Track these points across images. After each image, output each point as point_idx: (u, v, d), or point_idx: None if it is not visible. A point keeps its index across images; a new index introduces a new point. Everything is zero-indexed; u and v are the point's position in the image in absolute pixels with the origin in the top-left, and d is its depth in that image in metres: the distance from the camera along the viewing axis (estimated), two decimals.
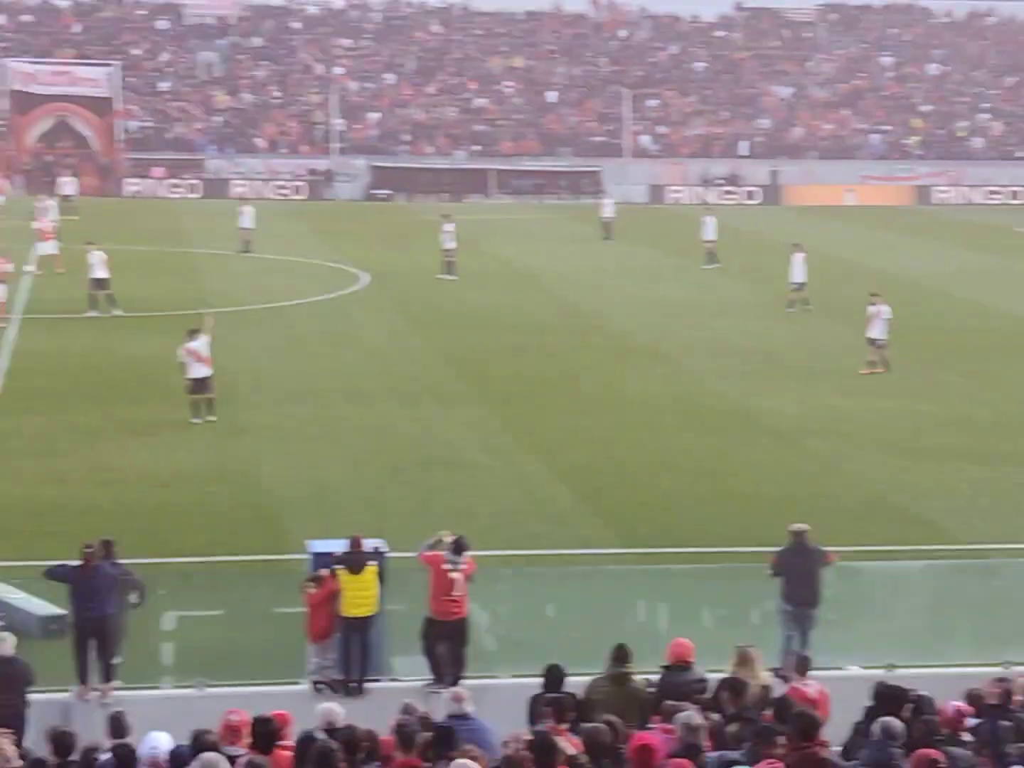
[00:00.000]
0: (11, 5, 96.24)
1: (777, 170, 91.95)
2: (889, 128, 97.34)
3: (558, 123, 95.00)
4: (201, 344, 33.78)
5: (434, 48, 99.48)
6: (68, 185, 74.19)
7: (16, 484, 28.89)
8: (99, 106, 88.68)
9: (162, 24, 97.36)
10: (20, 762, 11.16)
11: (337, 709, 13.84)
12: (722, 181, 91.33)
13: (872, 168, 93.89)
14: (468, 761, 11.79)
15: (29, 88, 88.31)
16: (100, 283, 45.99)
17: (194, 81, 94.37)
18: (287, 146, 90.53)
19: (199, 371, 33.59)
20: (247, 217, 61.38)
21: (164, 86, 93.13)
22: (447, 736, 12.49)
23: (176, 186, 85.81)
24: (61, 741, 12.66)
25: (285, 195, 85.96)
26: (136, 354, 40.42)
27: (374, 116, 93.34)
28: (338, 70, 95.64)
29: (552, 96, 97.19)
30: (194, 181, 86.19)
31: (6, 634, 18.43)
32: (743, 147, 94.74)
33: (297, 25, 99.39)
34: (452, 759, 12.03)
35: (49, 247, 54.22)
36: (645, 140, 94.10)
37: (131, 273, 53.06)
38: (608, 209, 69.40)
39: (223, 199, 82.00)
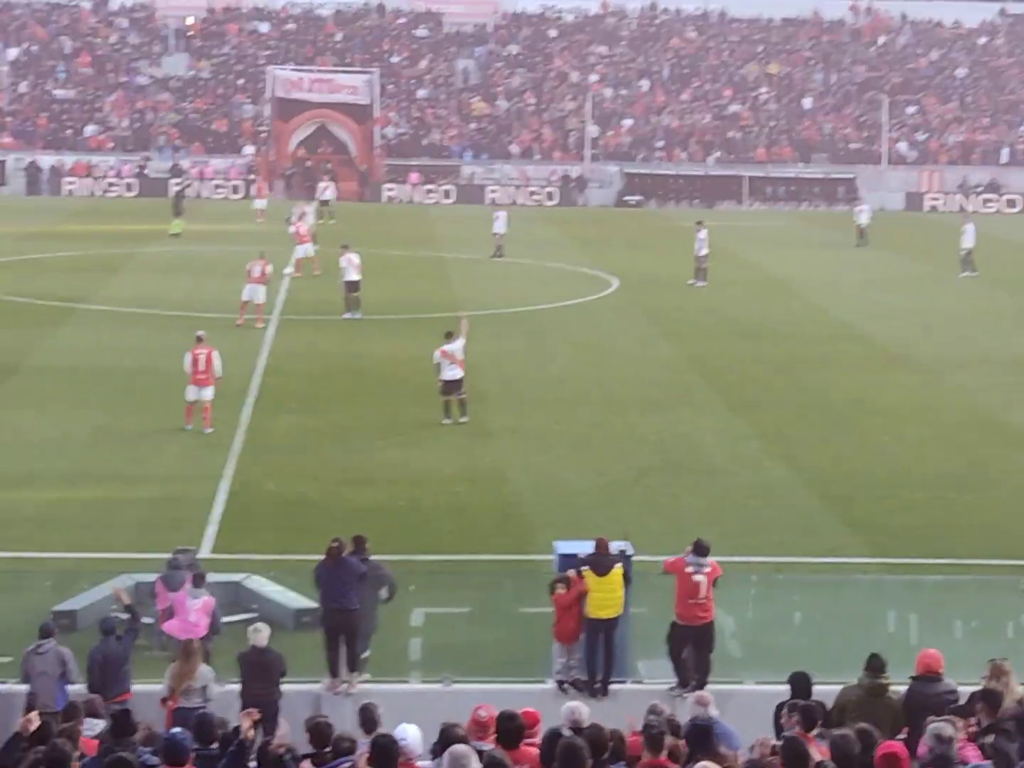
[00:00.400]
0: (276, 13, 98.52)
1: None
2: None
3: (813, 130, 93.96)
4: (456, 347, 34.16)
5: (689, 55, 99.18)
6: (327, 190, 75.64)
7: (270, 480, 29.53)
8: (358, 113, 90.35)
9: (421, 32, 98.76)
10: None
11: (582, 708, 13.84)
12: (981, 188, 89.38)
13: None
14: (710, 764, 11.68)
15: (292, 95, 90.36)
16: (352, 285, 46.79)
17: (451, 88, 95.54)
18: (541, 152, 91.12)
19: (452, 373, 33.97)
20: (500, 222, 61.93)
21: (422, 93, 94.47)
22: (704, 735, 12.38)
23: (431, 192, 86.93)
24: (319, 731, 12.86)
25: (537, 201, 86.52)
26: (388, 356, 41.03)
27: (627, 122, 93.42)
28: (593, 77, 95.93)
29: (808, 102, 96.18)
30: (448, 187, 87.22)
31: (261, 625, 18.86)
32: (1004, 154, 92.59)
33: (553, 33, 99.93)
34: (705, 760, 11.93)
35: (306, 250, 55.36)
36: (902, 147, 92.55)
37: (385, 277, 53.95)
38: (864, 216, 68.41)
39: (477, 205, 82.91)
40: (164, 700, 17.62)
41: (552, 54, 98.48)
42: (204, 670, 17.76)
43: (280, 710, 18.14)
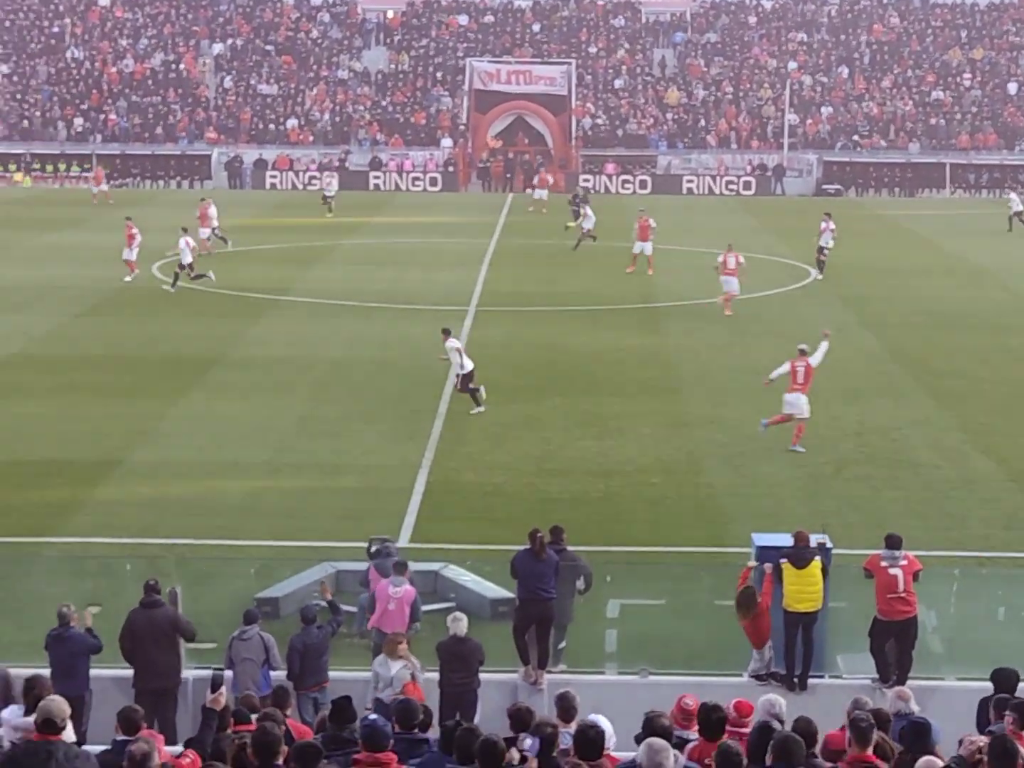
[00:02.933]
0: (474, 6, 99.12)
1: None
2: None
3: (1018, 116, 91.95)
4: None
5: (890, 41, 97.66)
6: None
7: (467, 470, 29.75)
8: (555, 104, 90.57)
9: (618, 22, 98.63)
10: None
11: (780, 700, 13.75)
12: None
13: None
14: (935, 760, 11.51)
15: (489, 87, 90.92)
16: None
17: (648, 78, 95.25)
18: (738, 142, 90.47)
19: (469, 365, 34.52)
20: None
21: (618, 83, 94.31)
22: (922, 733, 12.19)
23: (627, 182, 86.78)
24: (519, 718, 12.94)
25: (734, 190, 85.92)
26: (585, 347, 41.04)
27: (826, 110, 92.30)
28: (792, 64, 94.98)
29: (1013, 88, 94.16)
30: (644, 177, 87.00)
31: (461, 614, 18.99)
32: None
33: (752, 20, 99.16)
34: (923, 756, 11.76)
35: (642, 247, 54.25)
36: None
37: (581, 268, 54.05)
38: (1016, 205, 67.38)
39: (673, 195, 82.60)
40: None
41: (750, 42, 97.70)
42: (391, 665, 17.82)
43: (478, 699, 18.27)
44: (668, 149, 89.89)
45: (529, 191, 77.62)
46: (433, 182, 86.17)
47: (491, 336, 42.56)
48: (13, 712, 13.73)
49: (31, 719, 13.31)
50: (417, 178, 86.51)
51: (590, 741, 11.31)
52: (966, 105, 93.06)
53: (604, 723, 12.76)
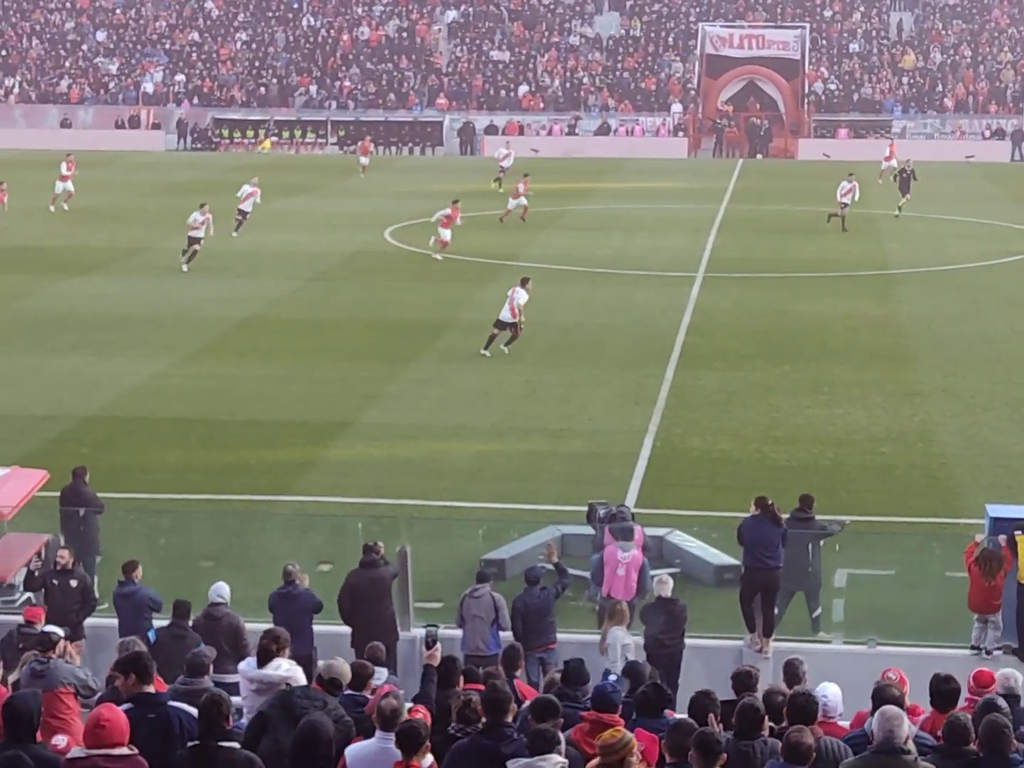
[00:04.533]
0: None
1: None
2: None
3: None
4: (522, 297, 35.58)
5: None
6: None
7: (694, 436, 29.65)
8: (787, 68, 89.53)
9: None
10: None
11: (1016, 674, 13.49)
12: None
13: None
14: None
15: (721, 52, 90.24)
16: None
17: (884, 42, 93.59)
18: (975, 106, 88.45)
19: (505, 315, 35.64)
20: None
21: (853, 47, 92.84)
22: None
23: (862, 147, 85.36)
24: (743, 681, 12.93)
25: (971, 156, 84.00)
26: (816, 314, 40.59)
27: None
28: None
29: None
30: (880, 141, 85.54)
31: (666, 576, 19.01)
32: None
33: None
34: None
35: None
36: None
37: (814, 234, 53.43)
38: None
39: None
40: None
41: (990, 5, 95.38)
42: (616, 633, 17.88)
43: (682, 659, 18.23)
44: (902, 114, 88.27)
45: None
46: (663, 147, 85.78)
47: (719, 303, 42.29)
48: (250, 664, 14.09)
49: (267, 671, 13.68)
50: (647, 144, 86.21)
51: (801, 708, 11.23)
52: None
53: (834, 691, 12.68)
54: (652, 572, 20.37)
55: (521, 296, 35.83)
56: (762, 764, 10.70)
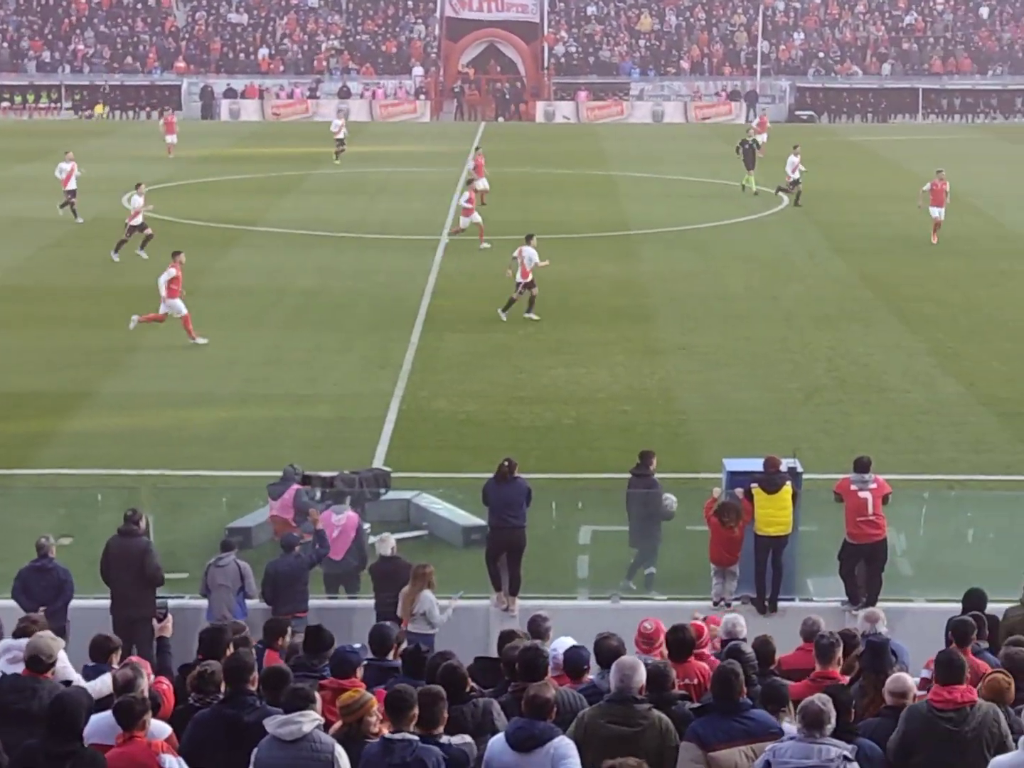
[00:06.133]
0: None
1: None
2: None
3: (991, 40, 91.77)
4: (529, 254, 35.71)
5: None
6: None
7: (439, 398, 29.75)
8: (527, 31, 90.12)
9: None
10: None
11: (740, 619, 13.93)
12: None
13: None
14: (906, 676, 11.63)
15: (461, 14, 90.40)
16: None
17: (621, 5, 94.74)
18: (711, 68, 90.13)
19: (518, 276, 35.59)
20: None
21: (591, 10, 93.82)
22: (879, 652, 12.30)
23: (600, 109, 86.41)
24: (506, 640, 13.05)
25: (707, 117, 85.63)
26: (556, 275, 40.94)
27: (799, 36, 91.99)
28: None
29: (985, 12, 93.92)
30: (618, 104, 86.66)
31: (387, 534, 19.10)
32: None
33: None
34: (884, 675, 11.87)
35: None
36: None
37: (553, 196, 53.87)
38: None
39: (646, 123, 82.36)
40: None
41: None
42: (424, 596, 17.71)
43: None
44: (640, 76, 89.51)
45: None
46: (404, 111, 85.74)
47: (463, 266, 42.47)
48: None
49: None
50: (388, 107, 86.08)
51: (529, 662, 11.39)
52: (938, 30, 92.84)
53: (566, 644, 12.87)
54: (403, 535, 20.42)
55: (530, 254, 35.83)
56: (475, 725, 10.85)
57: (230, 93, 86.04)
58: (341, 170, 62.59)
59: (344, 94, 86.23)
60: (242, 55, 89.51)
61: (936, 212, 45.57)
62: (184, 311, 33.56)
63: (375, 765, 10.11)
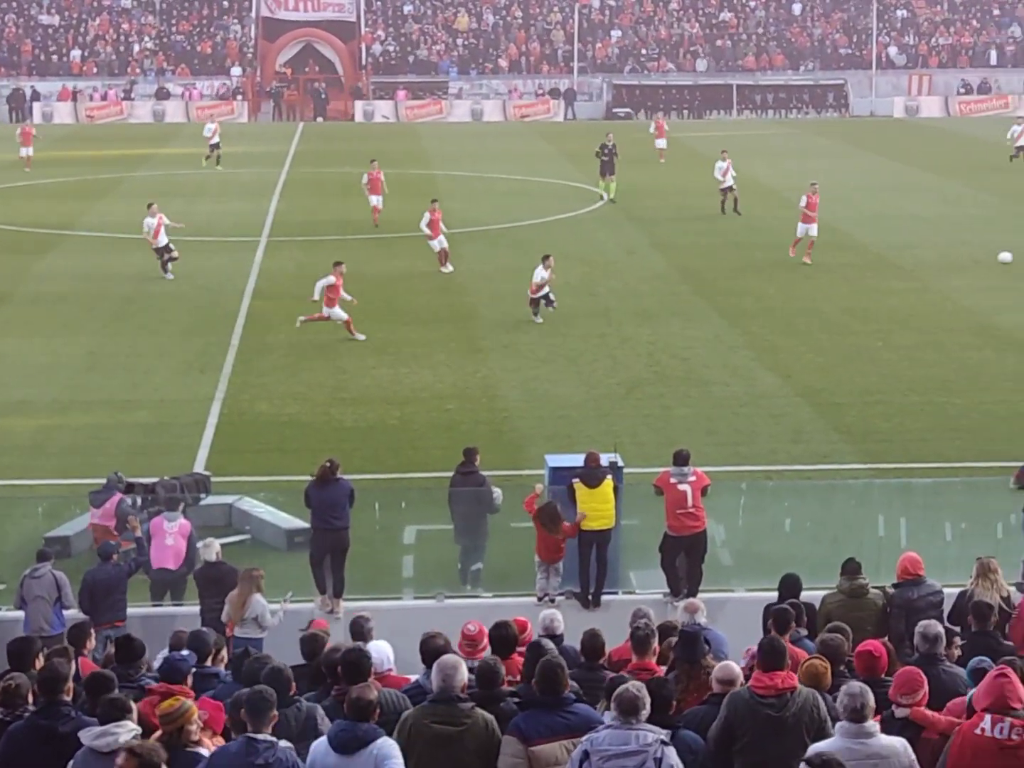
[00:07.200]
0: None
1: None
2: None
3: (803, 36, 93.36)
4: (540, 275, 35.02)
5: None
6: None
7: (261, 401, 29.54)
8: (344, 30, 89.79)
9: None
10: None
11: (557, 615, 14.02)
12: (965, 90, 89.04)
13: None
14: (732, 664, 11.78)
15: (277, 14, 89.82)
16: None
17: (438, 4, 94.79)
18: (528, 67, 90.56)
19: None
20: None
21: (408, 9, 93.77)
22: (692, 642, 12.45)
23: (419, 108, 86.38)
24: (310, 645, 12.99)
25: (526, 116, 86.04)
26: (380, 275, 40.92)
27: (615, 34, 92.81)
28: None
29: (797, 8, 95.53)
30: (437, 103, 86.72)
31: (211, 539, 18.97)
32: (993, 56, 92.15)
33: None
34: (697, 664, 12.03)
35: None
36: (892, 51, 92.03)
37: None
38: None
39: (466, 121, 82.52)
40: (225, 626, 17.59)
41: None
42: (255, 600, 17.52)
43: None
44: (459, 75, 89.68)
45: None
46: (221, 112, 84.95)
47: (284, 266, 42.25)
48: None
49: None
50: (205, 108, 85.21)
51: (351, 664, 11.39)
52: (751, 26, 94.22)
53: (380, 647, 12.86)
54: (226, 540, 20.25)
55: (537, 274, 35.18)
56: (299, 731, 10.84)
57: (42, 96, 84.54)
58: (158, 172, 61.85)
59: (162, 95, 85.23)
60: (54, 57, 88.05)
61: (807, 229, 42.77)
62: (345, 317, 34.00)
63: (235, 764, 10.02)
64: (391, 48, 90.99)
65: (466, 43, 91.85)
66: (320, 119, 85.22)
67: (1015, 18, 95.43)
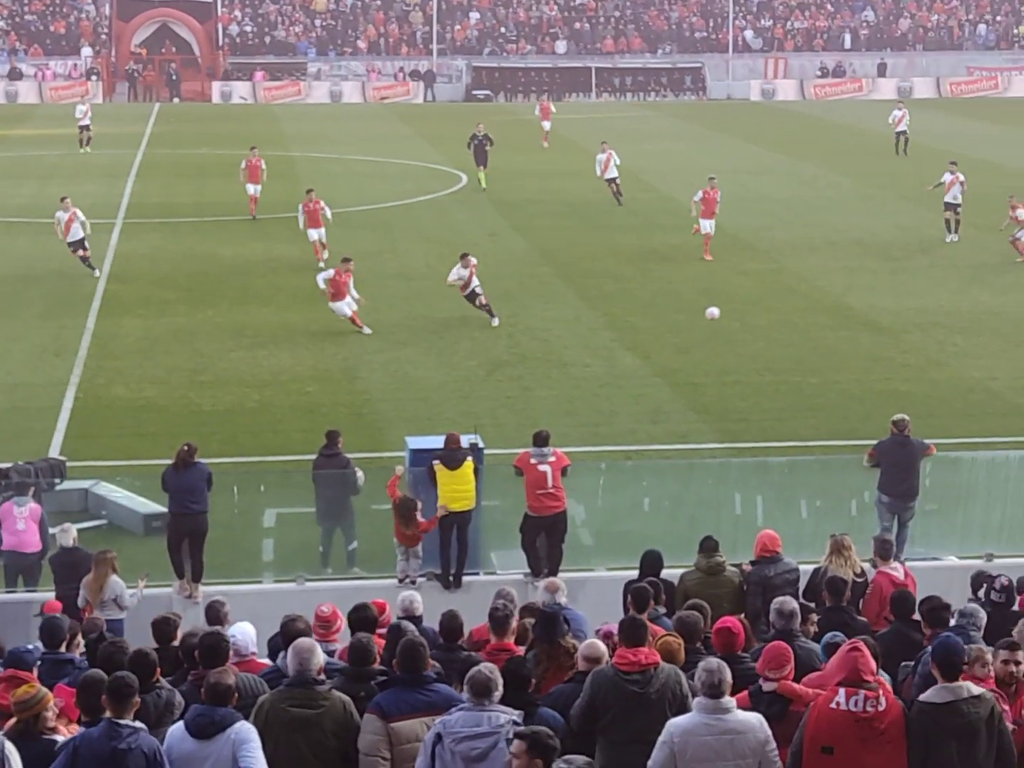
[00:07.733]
0: None
1: (884, 63, 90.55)
2: (1000, 19, 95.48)
3: (660, 19, 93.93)
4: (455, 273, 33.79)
5: None
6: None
7: (119, 385, 29.21)
8: (200, 11, 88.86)
9: None
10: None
11: (416, 596, 14.01)
12: (821, 74, 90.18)
13: (981, 59, 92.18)
14: (599, 642, 11.83)
15: None
16: None
17: None
18: (387, 48, 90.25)
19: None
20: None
21: None
22: (551, 622, 12.50)
23: (277, 90, 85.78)
24: (162, 629, 12.89)
25: (385, 97, 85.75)
26: (237, 258, 40.61)
27: (474, 16, 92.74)
28: None
29: None
30: (295, 84, 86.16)
31: (68, 525, 18.77)
32: (848, 40, 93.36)
33: None
34: (556, 644, 12.07)
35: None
36: (748, 35, 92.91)
37: (232, 178, 53.25)
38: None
39: (324, 102, 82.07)
40: (82, 611, 17.34)
41: None
42: (113, 581, 17.34)
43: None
44: (317, 56, 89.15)
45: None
46: (75, 93, 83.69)
47: (139, 249, 41.78)
48: None
49: None
50: (58, 89, 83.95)
51: (209, 648, 11.32)
52: (610, 9, 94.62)
53: (243, 629, 12.78)
54: (82, 525, 20.02)
55: (454, 273, 33.69)
56: (157, 717, 10.78)
57: None
58: (10, 153, 60.84)
59: (15, 76, 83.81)
60: None
61: (707, 225, 40.85)
62: (348, 313, 33.08)
63: (98, 749, 9.88)
64: (248, 29, 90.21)
65: (324, 24, 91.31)
66: (176, 100, 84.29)
67: (868, 2, 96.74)
